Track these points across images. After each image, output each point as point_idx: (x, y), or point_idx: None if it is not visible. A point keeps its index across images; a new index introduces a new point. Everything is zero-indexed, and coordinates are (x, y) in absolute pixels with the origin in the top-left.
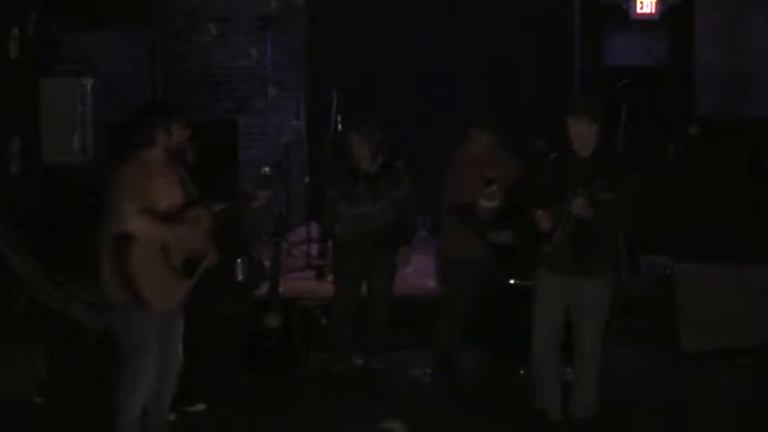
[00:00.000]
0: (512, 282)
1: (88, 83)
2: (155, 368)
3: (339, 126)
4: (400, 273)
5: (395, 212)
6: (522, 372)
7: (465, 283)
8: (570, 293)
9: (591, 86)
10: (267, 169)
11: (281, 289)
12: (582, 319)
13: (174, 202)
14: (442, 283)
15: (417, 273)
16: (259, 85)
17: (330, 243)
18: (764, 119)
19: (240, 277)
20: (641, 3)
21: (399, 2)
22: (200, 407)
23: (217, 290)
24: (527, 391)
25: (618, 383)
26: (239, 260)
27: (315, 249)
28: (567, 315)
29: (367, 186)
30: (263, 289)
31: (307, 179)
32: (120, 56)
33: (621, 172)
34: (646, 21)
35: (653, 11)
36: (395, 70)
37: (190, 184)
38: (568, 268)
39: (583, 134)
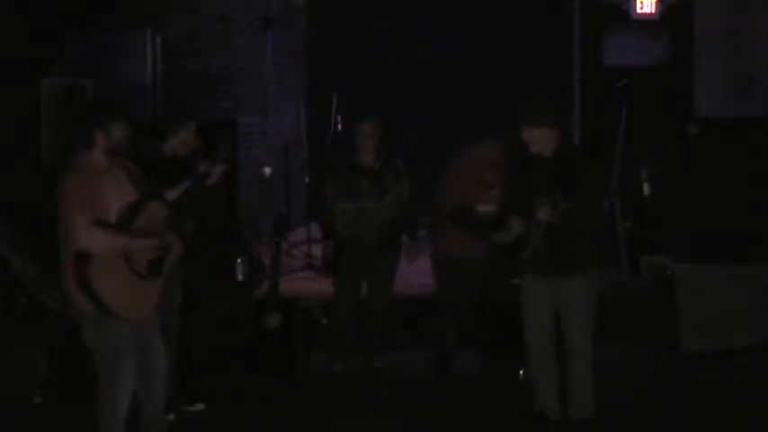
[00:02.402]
0: (512, 281)
1: (88, 83)
2: (131, 374)
3: (339, 126)
4: (401, 272)
5: (396, 210)
6: (521, 372)
7: (461, 285)
8: (555, 295)
9: (591, 86)
10: (267, 170)
11: (281, 289)
12: (570, 320)
13: (127, 200)
14: (437, 285)
15: (417, 273)
16: (259, 85)
17: (330, 242)
18: (765, 119)
19: (240, 277)
20: (641, 3)
21: (399, 2)
22: (200, 407)
23: (217, 290)
24: (527, 392)
25: (618, 383)
26: (239, 260)
27: (315, 249)
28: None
29: (370, 182)
30: (263, 289)
31: (307, 179)
32: (120, 56)
33: (584, 173)
34: (646, 21)
35: (653, 11)
36: (395, 70)
37: (140, 178)
38: (548, 271)
39: (541, 140)
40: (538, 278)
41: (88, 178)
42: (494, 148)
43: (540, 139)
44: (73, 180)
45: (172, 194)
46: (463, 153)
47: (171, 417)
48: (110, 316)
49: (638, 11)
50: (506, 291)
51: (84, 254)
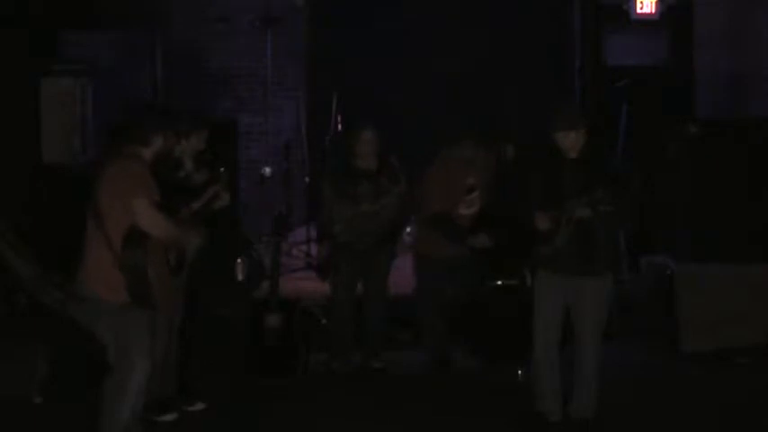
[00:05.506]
0: (499, 282)
1: (88, 83)
2: (148, 369)
3: (339, 126)
4: (401, 272)
5: (396, 210)
6: (520, 372)
7: (439, 282)
8: (570, 293)
9: (591, 86)
10: (267, 170)
11: (280, 289)
12: (583, 319)
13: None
14: (416, 283)
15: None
16: (259, 85)
17: (326, 244)
18: (764, 119)
19: (240, 277)
20: (641, 3)
21: (399, 2)
22: (200, 406)
23: (217, 290)
24: (526, 392)
25: (618, 383)
26: (239, 260)
27: (314, 249)
28: (566, 315)
29: (368, 185)
30: (263, 289)
31: (307, 179)
32: (120, 56)
33: (617, 174)
34: (646, 21)
35: (653, 11)
36: (395, 70)
37: None
38: (569, 269)
39: (577, 142)
40: (556, 275)
41: (145, 167)
42: (471, 148)
43: (576, 142)
44: (134, 165)
45: (195, 206)
46: (441, 154)
47: (171, 416)
48: (145, 305)
49: (638, 11)
50: (500, 291)
51: (139, 234)
